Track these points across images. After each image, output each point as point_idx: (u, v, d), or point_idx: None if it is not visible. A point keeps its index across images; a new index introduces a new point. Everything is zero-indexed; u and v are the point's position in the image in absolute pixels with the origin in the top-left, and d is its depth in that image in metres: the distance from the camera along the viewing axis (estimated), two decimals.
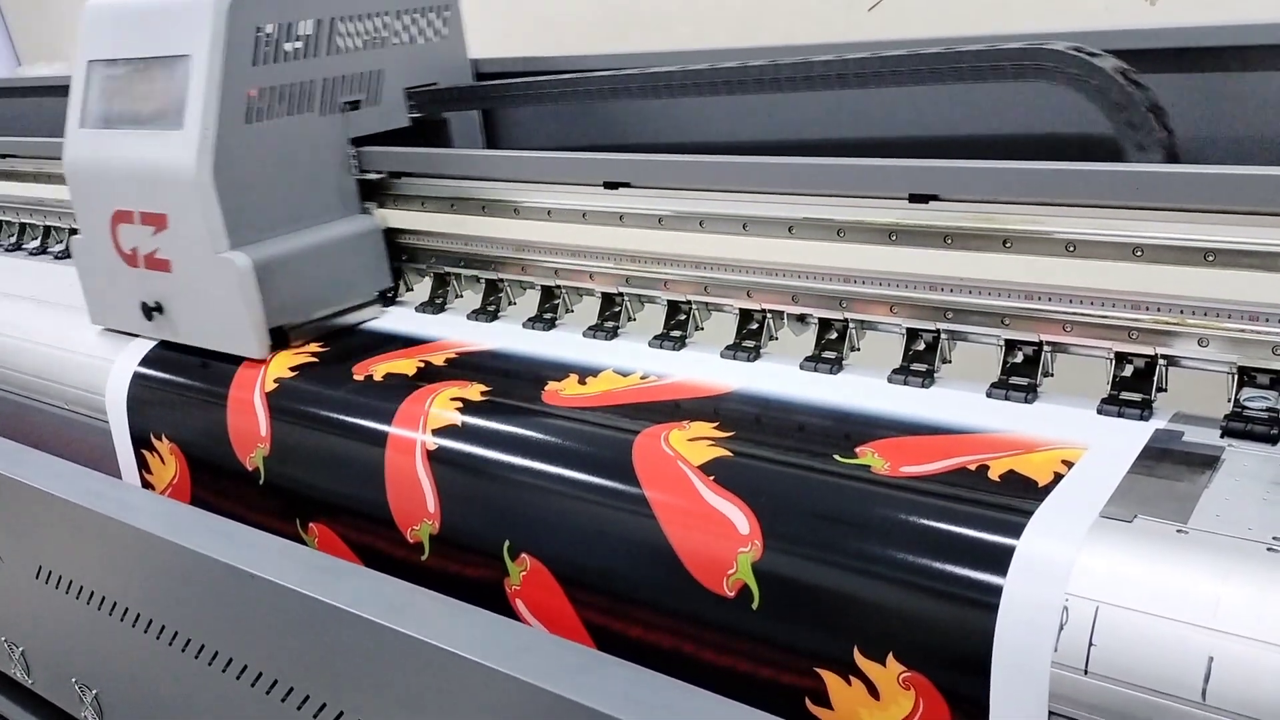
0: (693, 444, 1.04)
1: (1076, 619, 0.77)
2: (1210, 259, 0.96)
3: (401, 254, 1.57)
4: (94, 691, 1.48)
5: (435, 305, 1.54)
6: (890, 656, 0.86)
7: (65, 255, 2.12)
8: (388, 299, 1.56)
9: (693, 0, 2.61)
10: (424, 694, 1.02)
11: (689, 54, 1.43)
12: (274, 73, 1.42)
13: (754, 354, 1.24)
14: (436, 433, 1.17)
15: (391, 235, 1.56)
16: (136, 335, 1.52)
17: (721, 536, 0.95)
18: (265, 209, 1.42)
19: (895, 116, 1.40)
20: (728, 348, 1.26)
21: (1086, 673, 0.76)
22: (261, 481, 1.32)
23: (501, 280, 1.49)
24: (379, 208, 1.57)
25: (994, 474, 0.91)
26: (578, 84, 1.43)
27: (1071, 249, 1.03)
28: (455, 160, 1.55)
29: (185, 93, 1.36)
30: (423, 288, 1.59)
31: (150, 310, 1.45)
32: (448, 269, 1.55)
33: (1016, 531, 0.83)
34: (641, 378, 1.22)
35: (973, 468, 0.92)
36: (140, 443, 1.46)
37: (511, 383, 1.25)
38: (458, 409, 1.19)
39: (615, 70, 1.41)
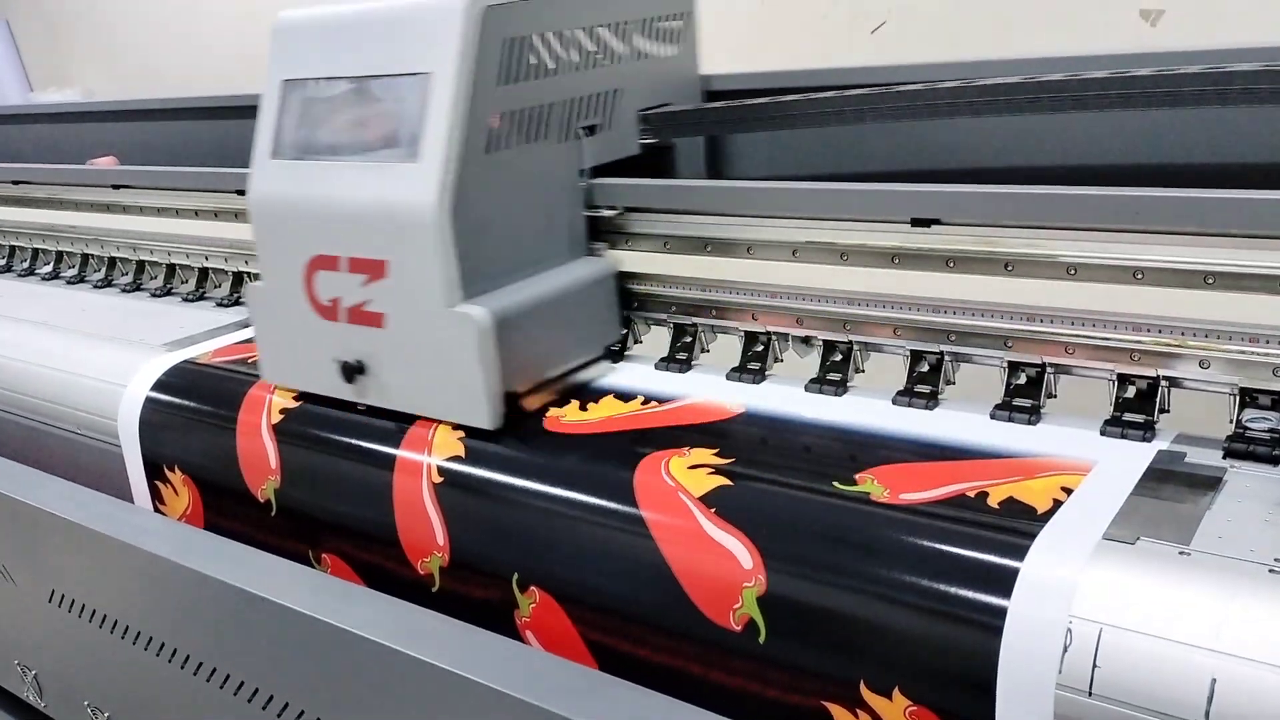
0: (693, 472, 1.04)
1: (1080, 641, 0.78)
2: (1209, 281, 0.97)
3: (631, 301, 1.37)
4: (106, 715, 1.49)
5: None
6: (896, 691, 0.87)
7: (77, 280, 2.14)
8: (614, 354, 1.37)
9: None
10: (435, 717, 1.03)
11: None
12: (519, 94, 1.20)
13: (759, 376, 1.25)
14: (441, 465, 1.18)
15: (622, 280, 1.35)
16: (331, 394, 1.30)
17: (726, 571, 0.96)
18: (499, 254, 1.21)
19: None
20: (733, 370, 1.27)
21: (1090, 694, 0.77)
22: (273, 513, 1.33)
23: None
24: (610, 249, 1.35)
25: (993, 500, 0.92)
26: (832, 104, 1.23)
27: (1073, 272, 1.04)
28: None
29: (423, 117, 1.15)
30: None
31: (352, 370, 1.25)
32: None
33: (1020, 554, 0.84)
34: (643, 403, 1.23)
35: (972, 494, 0.93)
36: (153, 471, 1.47)
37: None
38: (460, 438, 1.19)
39: (861, 87, 1.23)
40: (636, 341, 1.40)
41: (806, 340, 1.25)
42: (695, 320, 1.32)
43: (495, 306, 1.16)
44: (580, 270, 1.30)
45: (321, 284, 1.26)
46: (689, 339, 1.33)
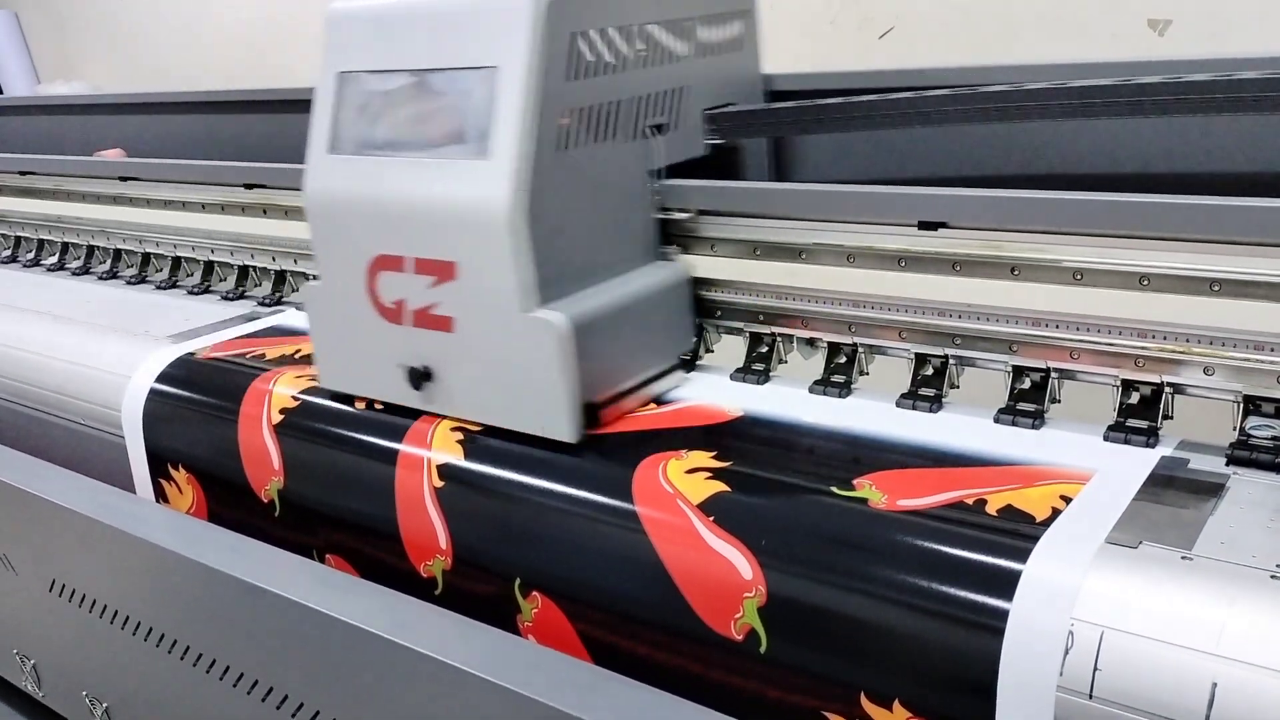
0: (690, 476, 1.04)
1: (1082, 644, 0.78)
2: (1216, 289, 0.97)
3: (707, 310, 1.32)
4: (104, 705, 1.49)
5: None
6: (897, 703, 0.87)
7: (82, 272, 2.15)
8: (688, 364, 1.31)
9: None
10: (435, 711, 1.03)
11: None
12: (586, 90, 1.16)
13: (763, 377, 1.25)
14: (441, 468, 1.18)
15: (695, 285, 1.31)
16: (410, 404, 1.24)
17: (726, 581, 0.96)
18: (575, 256, 1.16)
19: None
20: (737, 370, 1.27)
21: (1091, 697, 0.77)
22: (277, 514, 1.33)
23: None
24: (682, 253, 1.30)
25: (991, 508, 0.92)
26: (905, 105, 1.19)
27: (1079, 277, 1.04)
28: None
29: (492, 112, 1.10)
30: None
31: (419, 377, 1.20)
32: None
33: (1022, 557, 0.84)
34: (642, 403, 1.23)
35: (970, 501, 0.93)
36: (157, 466, 1.47)
37: None
38: (459, 441, 1.19)
39: (934, 88, 1.18)
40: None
41: (811, 342, 1.25)
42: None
43: (574, 312, 1.11)
44: (654, 275, 1.25)
45: (385, 285, 1.20)
46: (694, 339, 1.33)
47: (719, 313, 1.31)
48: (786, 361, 1.28)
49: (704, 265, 1.30)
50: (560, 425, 1.12)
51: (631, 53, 1.21)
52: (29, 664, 1.61)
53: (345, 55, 1.23)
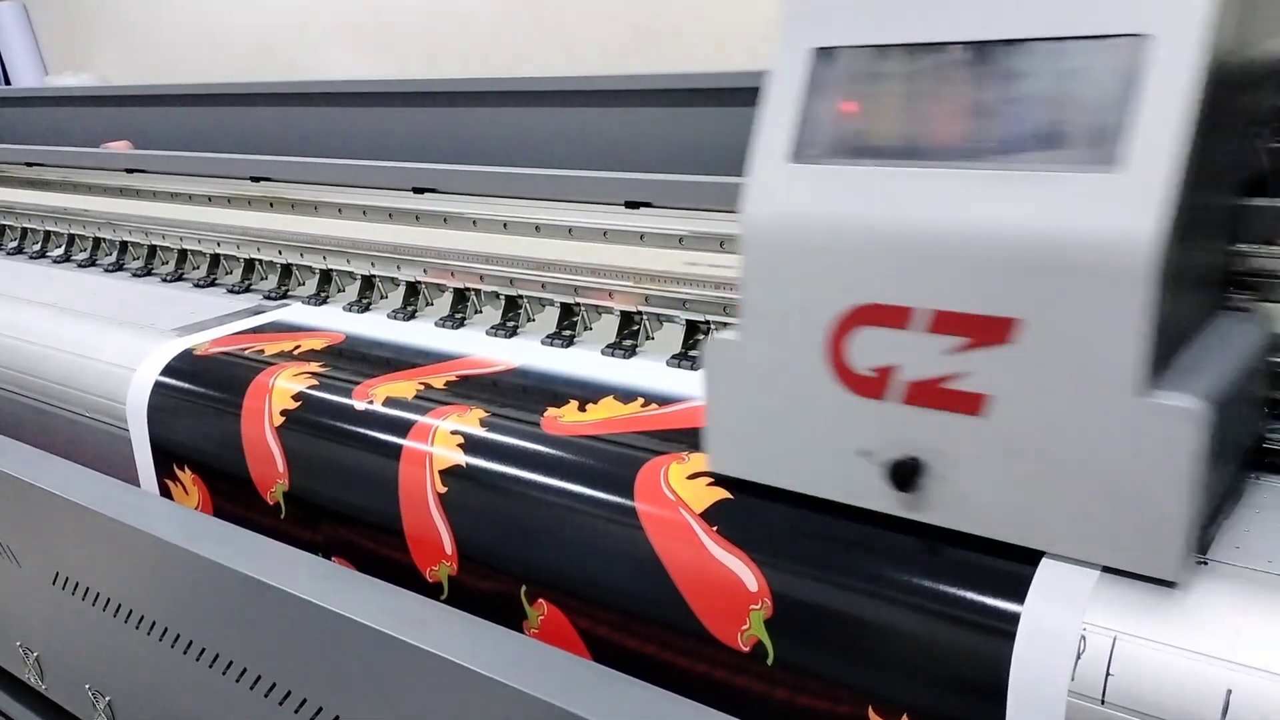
0: (692, 483, 1.02)
1: (1094, 649, 0.77)
2: None
3: None
4: (107, 698, 1.49)
5: (455, 320, 1.55)
6: (905, 717, 0.86)
7: (89, 264, 2.14)
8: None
9: (710, 19, 2.63)
10: (438, 708, 1.02)
11: None
12: (1253, 65, 0.85)
13: None
14: (443, 473, 1.17)
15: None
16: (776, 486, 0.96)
17: (732, 594, 0.95)
18: (1180, 313, 0.82)
19: None
20: None
21: (1103, 703, 0.76)
22: (282, 515, 1.33)
23: (521, 297, 1.50)
24: (1261, 301, 0.93)
25: None
26: None
27: None
28: None
29: (1130, 102, 0.76)
30: (443, 302, 1.60)
31: (907, 473, 0.87)
32: (467, 285, 1.56)
33: (1034, 560, 0.83)
34: (643, 404, 1.21)
35: None
36: (162, 461, 1.47)
37: (512, 409, 1.22)
38: (459, 445, 1.17)
39: None
40: (649, 338, 1.38)
41: None
42: (709, 318, 1.31)
43: (1204, 396, 0.75)
44: (1238, 336, 0.89)
45: (860, 345, 0.87)
46: (700, 336, 1.33)
47: None
48: None
49: None
50: (1162, 555, 0.78)
51: None
52: (32, 656, 1.61)
53: (825, 23, 0.89)
